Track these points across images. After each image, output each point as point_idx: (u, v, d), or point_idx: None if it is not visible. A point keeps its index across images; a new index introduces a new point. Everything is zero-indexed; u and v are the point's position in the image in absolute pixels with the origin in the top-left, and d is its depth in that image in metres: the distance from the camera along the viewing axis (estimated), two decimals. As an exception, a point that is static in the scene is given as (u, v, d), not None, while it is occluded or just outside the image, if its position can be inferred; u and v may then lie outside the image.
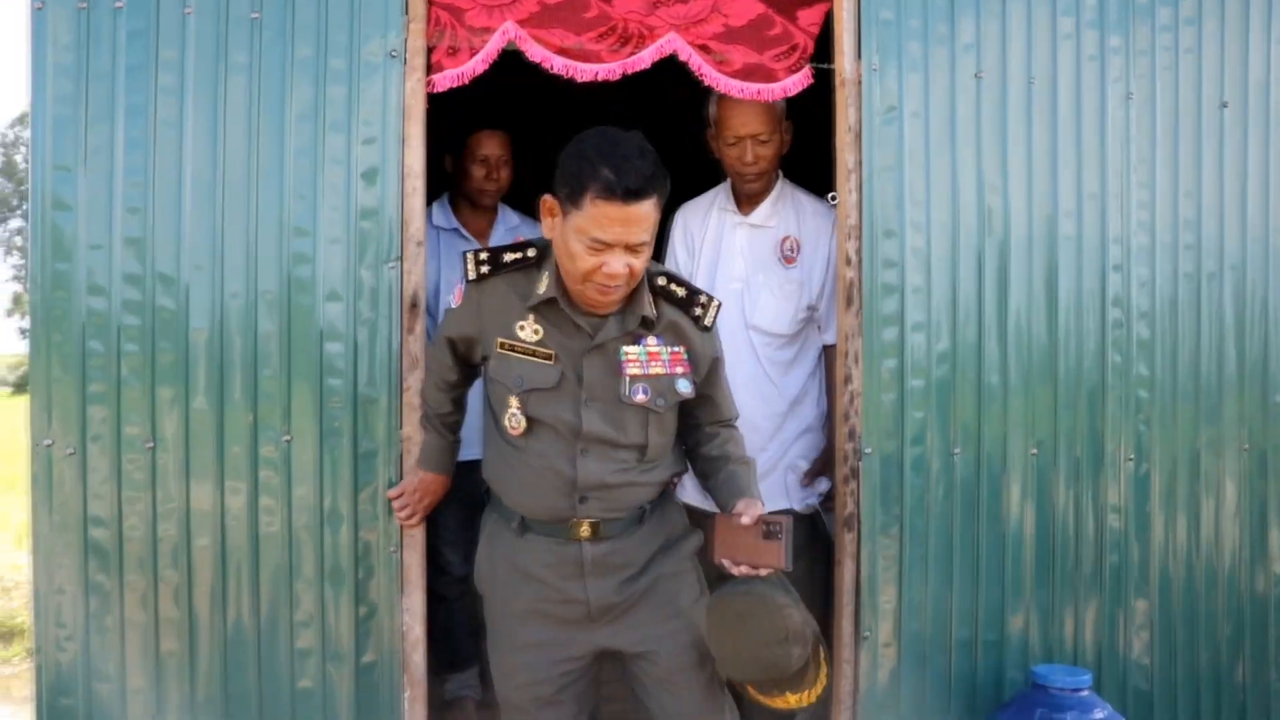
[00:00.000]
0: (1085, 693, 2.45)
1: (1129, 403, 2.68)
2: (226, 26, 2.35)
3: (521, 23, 2.44)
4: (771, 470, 2.64)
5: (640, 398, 1.99)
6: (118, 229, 2.33)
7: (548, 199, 1.91)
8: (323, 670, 2.40)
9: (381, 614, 2.40)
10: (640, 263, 1.89)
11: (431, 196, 2.91)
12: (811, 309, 2.72)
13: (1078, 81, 2.65)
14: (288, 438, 2.37)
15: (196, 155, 2.35)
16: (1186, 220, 2.71)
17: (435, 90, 2.42)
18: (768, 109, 2.59)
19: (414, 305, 2.40)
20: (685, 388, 2.04)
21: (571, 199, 1.84)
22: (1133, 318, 2.68)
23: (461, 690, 3.17)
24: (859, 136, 2.54)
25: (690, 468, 2.21)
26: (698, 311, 2.07)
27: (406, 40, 2.40)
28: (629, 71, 2.47)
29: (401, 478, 2.38)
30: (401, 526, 2.39)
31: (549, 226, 1.93)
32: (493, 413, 2.08)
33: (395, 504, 2.36)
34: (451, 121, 2.84)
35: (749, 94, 2.51)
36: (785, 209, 2.74)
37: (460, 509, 2.94)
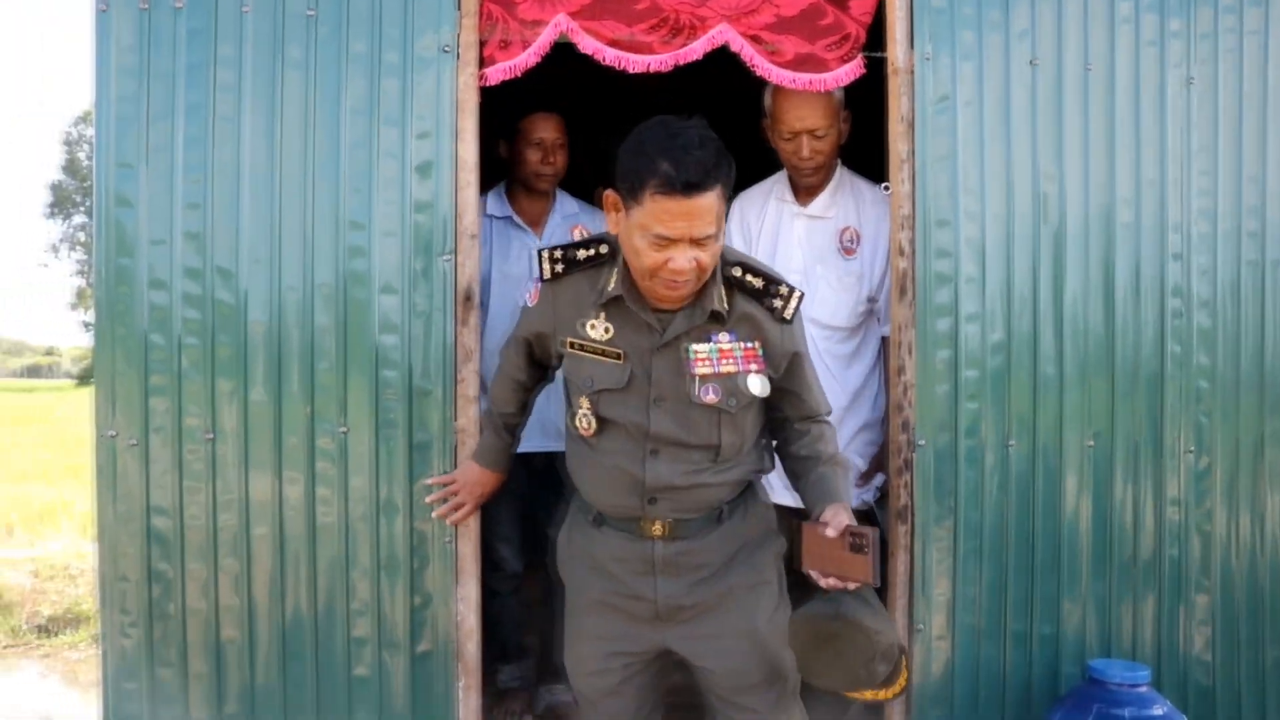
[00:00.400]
0: (1144, 688, 2.41)
1: (1189, 393, 2.64)
2: (283, 23, 2.39)
3: (573, 15, 2.45)
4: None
5: (710, 398, 1.90)
6: (178, 224, 2.38)
7: (610, 194, 1.85)
8: (378, 659, 2.43)
9: (436, 604, 2.43)
10: (708, 256, 1.80)
11: (485, 187, 2.94)
12: (871, 300, 2.69)
13: (1136, 67, 2.61)
14: (344, 429, 2.40)
15: (254, 151, 2.39)
16: (1250, 207, 2.66)
17: (487, 84, 2.44)
18: (824, 102, 2.56)
19: (468, 298, 2.42)
20: (759, 386, 1.93)
21: (632, 194, 1.77)
22: (1193, 306, 2.63)
23: (513, 681, 3.17)
24: (912, 126, 2.52)
25: (780, 466, 2.11)
26: (776, 303, 1.94)
27: (459, 34, 2.41)
28: (680, 63, 2.47)
29: (455, 469, 2.41)
30: (448, 521, 2.40)
31: (613, 222, 1.87)
32: (569, 411, 2.04)
33: (441, 493, 2.38)
34: (505, 105, 2.83)
35: (800, 84, 2.50)
36: (844, 199, 2.71)
37: (514, 503, 2.96)
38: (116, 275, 2.37)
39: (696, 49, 2.48)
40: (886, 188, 2.58)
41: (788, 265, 2.67)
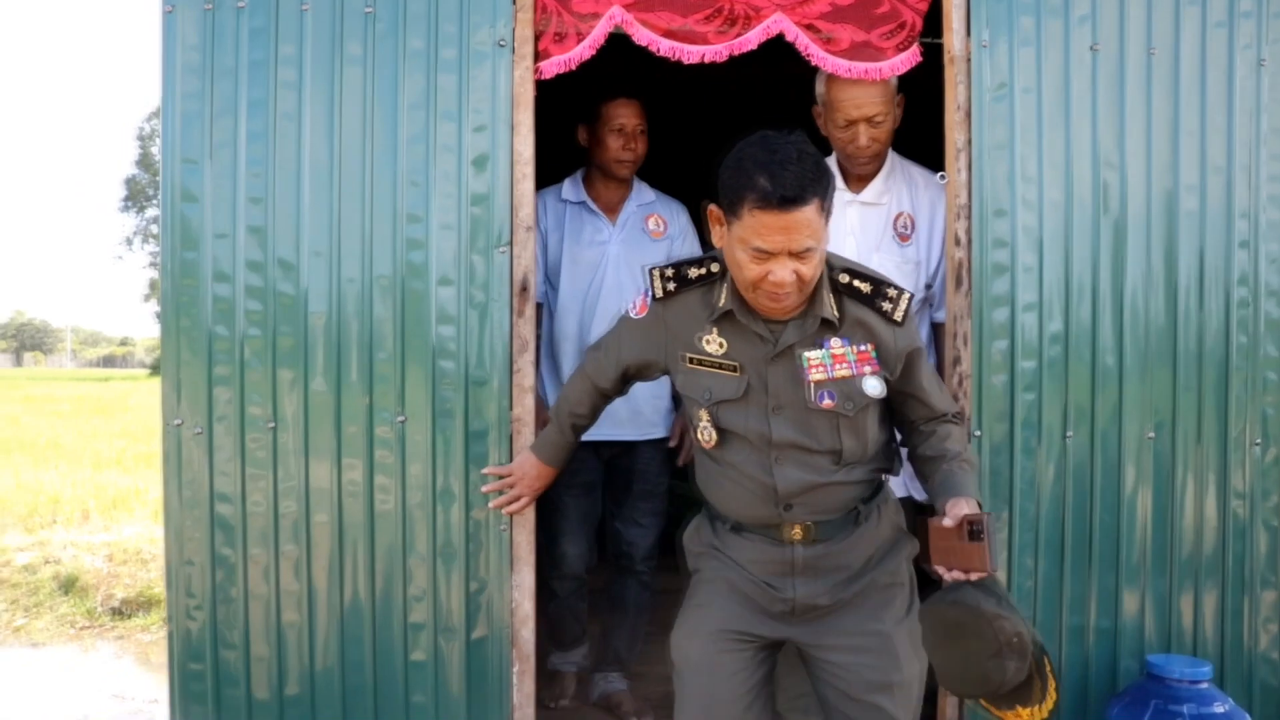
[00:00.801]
0: (1205, 685, 2.37)
1: (1256, 384, 2.58)
2: (342, 21, 2.43)
3: (628, 7, 2.45)
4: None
5: (827, 402, 1.91)
6: (241, 218, 2.43)
7: (713, 209, 1.88)
8: (434, 644, 2.47)
9: (491, 590, 2.47)
10: (809, 268, 1.82)
11: (544, 180, 2.96)
12: (928, 288, 2.66)
13: (1203, 50, 2.55)
14: (402, 418, 2.44)
15: (314, 146, 2.43)
16: (1323, 193, 2.58)
17: (542, 77, 2.46)
18: (881, 89, 2.53)
19: (524, 289, 2.45)
20: (875, 388, 1.93)
21: (732, 209, 1.80)
22: (1260, 296, 2.57)
23: (564, 665, 3.19)
24: (969, 115, 2.49)
25: (910, 468, 2.09)
26: (886, 306, 1.95)
27: (514, 29, 2.43)
28: (735, 53, 2.47)
29: (511, 459, 2.44)
30: (504, 511, 2.43)
31: (717, 236, 1.90)
32: (690, 427, 2.06)
33: (497, 484, 2.41)
34: (586, 91, 2.82)
35: (857, 73, 2.48)
36: (897, 184, 2.66)
37: (582, 497, 2.98)
38: (182, 268, 2.43)
39: (751, 39, 2.47)
40: (943, 176, 2.55)
41: (840, 254, 2.64)
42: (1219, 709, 2.35)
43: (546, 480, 2.38)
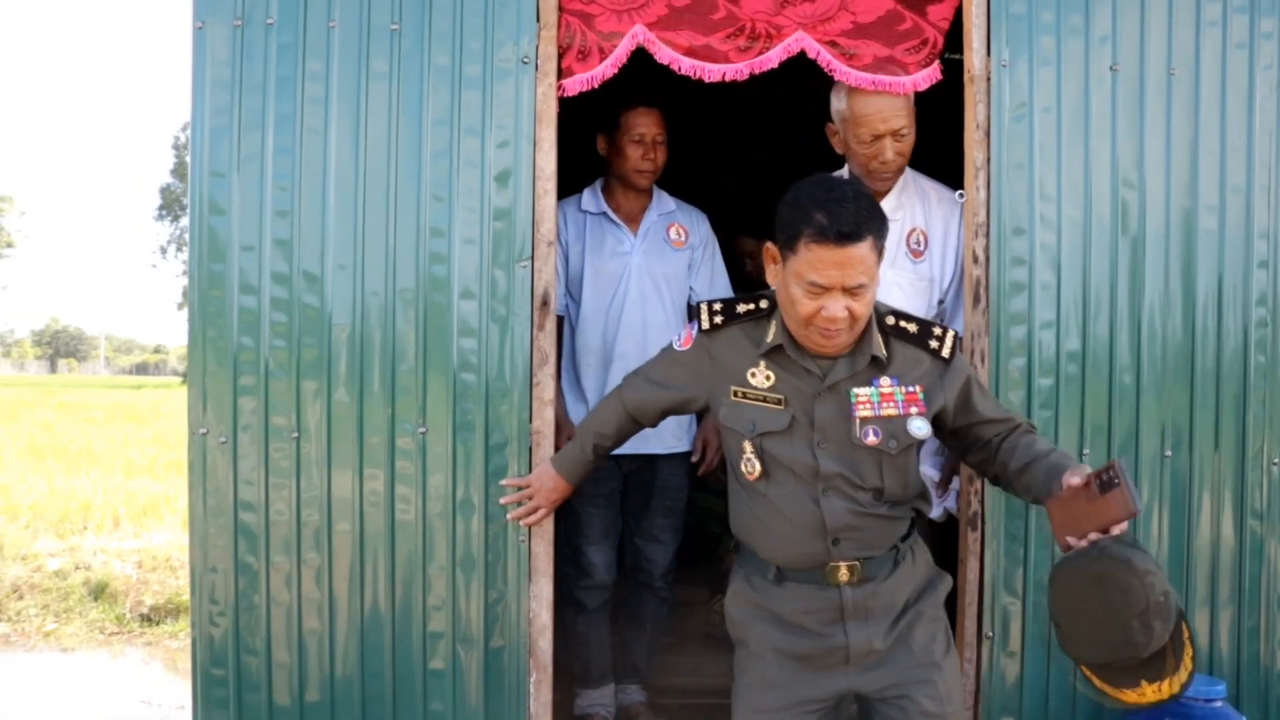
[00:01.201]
0: (1219, 703, 2.37)
1: (1273, 404, 2.58)
2: (368, 37, 2.46)
3: (650, 26, 2.48)
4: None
5: (872, 439, 1.94)
6: (267, 231, 2.46)
7: (770, 247, 1.93)
8: (453, 652, 2.50)
9: (510, 600, 2.49)
10: (861, 305, 1.86)
11: (579, 186, 2.96)
12: (941, 304, 2.66)
13: (1223, 71, 2.55)
14: (423, 429, 2.47)
15: (340, 160, 2.46)
16: (1343, 214, 2.59)
17: (566, 94, 2.48)
18: (905, 101, 2.53)
19: (544, 303, 2.47)
20: (920, 429, 1.96)
21: (788, 244, 1.85)
22: (1279, 316, 2.57)
23: (592, 707, 3.06)
24: (988, 133, 2.50)
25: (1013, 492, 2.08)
26: (933, 344, 2.00)
27: (538, 46, 2.46)
28: (756, 71, 2.49)
29: (530, 471, 2.46)
30: (521, 523, 2.45)
31: (772, 274, 1.95)
32: (730, 462, 2.07)
33: (516, 496, 2.43)
34: (606, 100, 2.81)
35: (881, 85, 2.48)
36: (910, 199, 2.66)
37: (606, 507, 2.97)
38: (209, 280, 2.47)
39: (772, 57, 2.49)
40: (961, 194, 2.56)
41: None
42: (1233, 728, 2.35)
43: (564, 494, 2.40)
